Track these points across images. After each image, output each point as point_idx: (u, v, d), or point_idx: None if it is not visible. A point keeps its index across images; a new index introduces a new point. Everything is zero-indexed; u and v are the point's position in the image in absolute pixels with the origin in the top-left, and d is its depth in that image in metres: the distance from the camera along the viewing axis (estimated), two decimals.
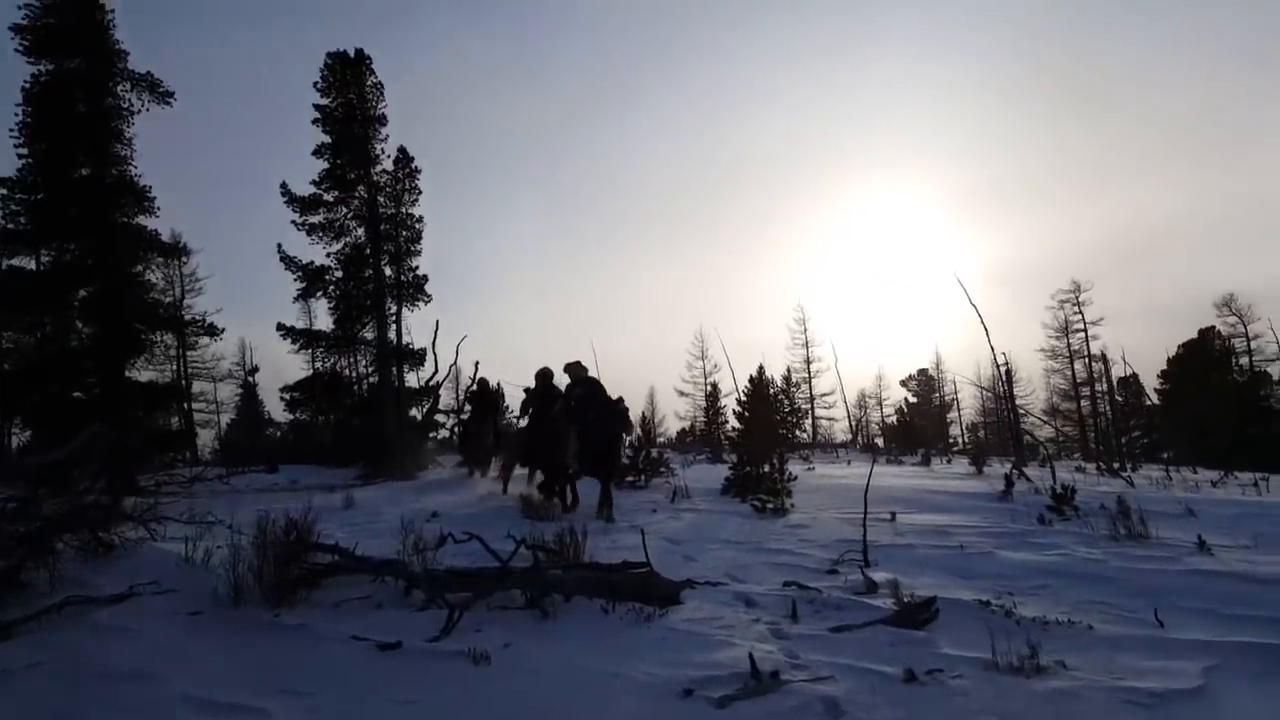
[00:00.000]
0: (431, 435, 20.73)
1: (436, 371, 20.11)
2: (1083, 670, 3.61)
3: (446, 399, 23.39)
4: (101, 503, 6.36)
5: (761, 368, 30.75)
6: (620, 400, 9.35)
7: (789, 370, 37.82)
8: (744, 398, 28.96)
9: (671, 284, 77.38)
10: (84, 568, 5.48)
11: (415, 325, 21.72)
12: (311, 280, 19.82)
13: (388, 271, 19.92)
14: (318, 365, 21.21)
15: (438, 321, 20.15)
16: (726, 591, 5.08)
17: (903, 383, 48.81)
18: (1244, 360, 34.70)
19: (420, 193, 20.82)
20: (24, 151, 15.44)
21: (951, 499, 9.70)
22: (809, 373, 40.78)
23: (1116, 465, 16.05)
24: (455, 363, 21.25)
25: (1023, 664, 3.60)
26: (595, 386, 9.33)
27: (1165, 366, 36.61)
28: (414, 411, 19.90)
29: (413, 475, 15.26)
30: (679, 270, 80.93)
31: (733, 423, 31.09)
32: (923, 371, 48.35)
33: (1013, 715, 3.16)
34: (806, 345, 41.11)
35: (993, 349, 18.05)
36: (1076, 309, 36.65)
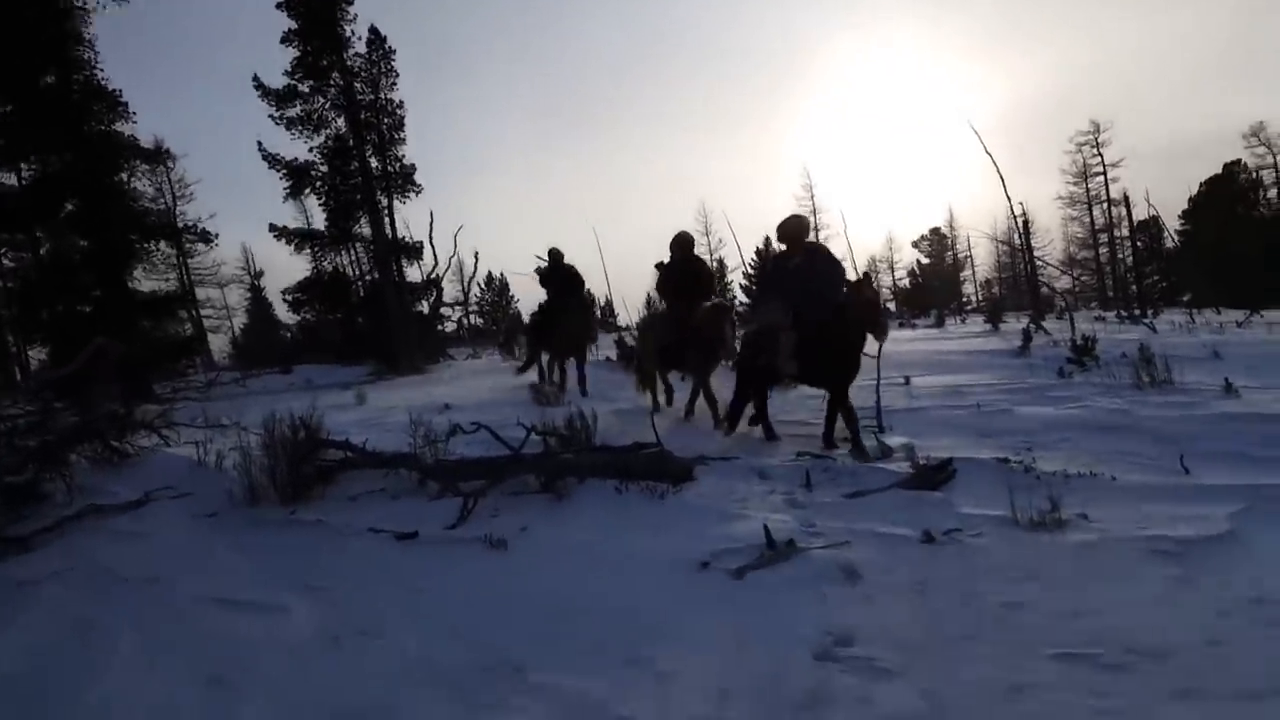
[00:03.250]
0: (440, 328, 20.69)
1: (436, 264, 19.86)
2: (1106, 522, 3.55)
3: (451, 291, 23.20)
4: (113, 412, 6.35)
5: (768, 239, 30.12)
6: (863, 283, 5.81)
7: None
8: (751, 270, 28.57)
9: (673, 162, 75.23)
10: (100, 477, 5.49)
11: (411, 218, 21.39)
12: (298, 177, 19.35)
13: (374, 163, 19.40)
14: (321, 265, 20.92)
15: (432, 213, 19.83)
16: (740, 466, 5.03)
17: (914, 244, 47.85)
18: (1271, 193, 33.48)
19: (397, 75, 20.01)
20: None
21: (967, 358, 9.56)
22: (817, 240, 40.01)
23: (1137, 312, 15.77)
24: (455, 253, 20.96)
25: (1044, 519, 3.55)
26: (821, 259, 6.07)
27: (1187, 205, 35.50)
28: (420, 305, 19.80)
29: (424, 369, 15.31)
30: (680, 148, 78.42)
31: (740, 297, 30.81)
32: (935, 230, 47.30)
33: (1034, 570, 3.12)
34: (814, 212, 40.03)
35: (1008, 197, 17.44)
36: (1095, 151, 35.20)
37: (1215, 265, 29.30)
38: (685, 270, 7.56)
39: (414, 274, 20.32)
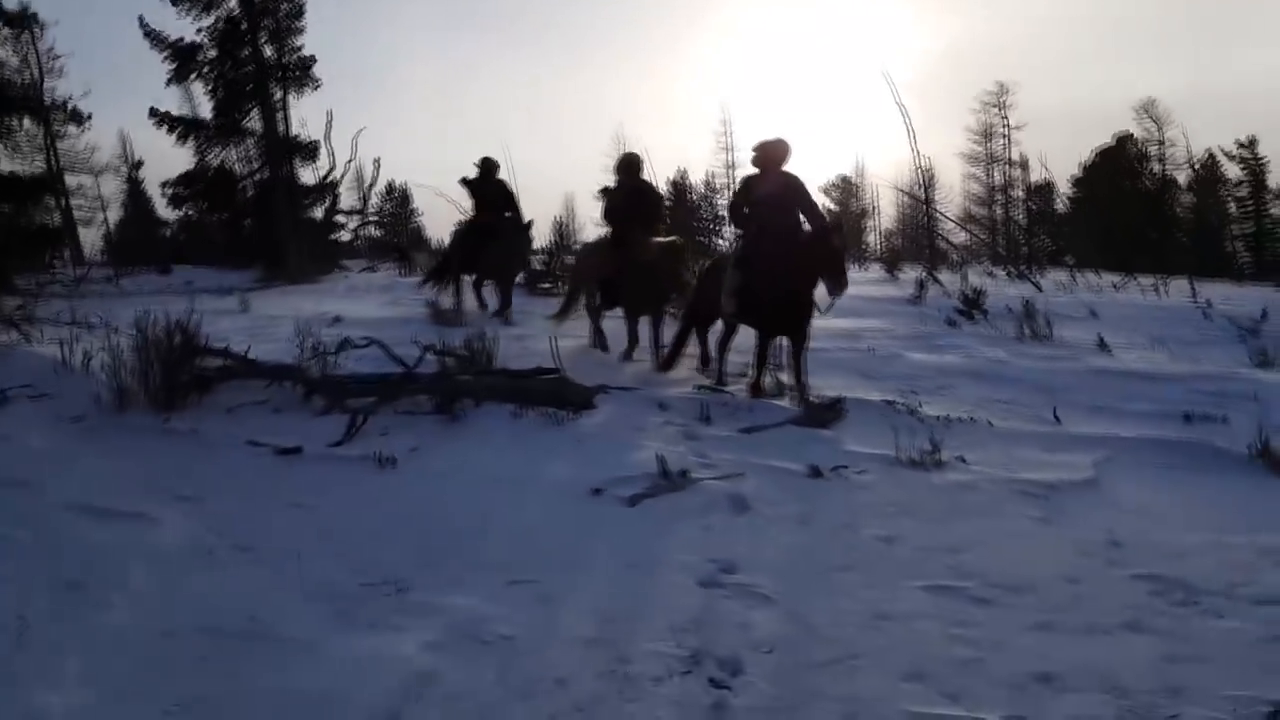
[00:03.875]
0: (334, 237, 19.64)
1: (333, 168, 18.63)
2: (981, 464, 3.73)
3: (349, 200, 21.86)
4: None
5: (683, 172, 29.90)
6: (831, 230, 5.21)
7: (710, 175, 36.88)
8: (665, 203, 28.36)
9: (590, 83, 72.88)
10: None
11: (309, 116, 19.63)
12: (183, 60, 17.56)
13: (268, 51, 17.89)
14: (206, 158, 19.34)
15: (330, 112, 18.37)
16: (640, 396, 5.04)
17: (824, 189, 48.48)
18: (1156, 167, 35.31)
19: None
20: None
21: (865, 304, 9.78)
22: (731, 179, 39.81)
23: (1025, 269, 16.54)
24: (354, 158, 19.60)
25: (924, 459, 3.71)
26: (794, 191, 5.30)
27: (1080, 173, 37.11)
28: (314, 211, 18.70)
29: (316, 279, 14.55)
30: (598, 69, 76.01)
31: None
32: (844, 178, 48.03)
33: (911, 506, 3.27)
34: (729, 149, 39.74)
35: (915, 151, 17.79)
36: (1000, 113, 36.32)
37: (1100, 230, 30.95)
38: (634, 196, 6.79)
39: (309, 177, 19.12)
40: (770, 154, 5.36)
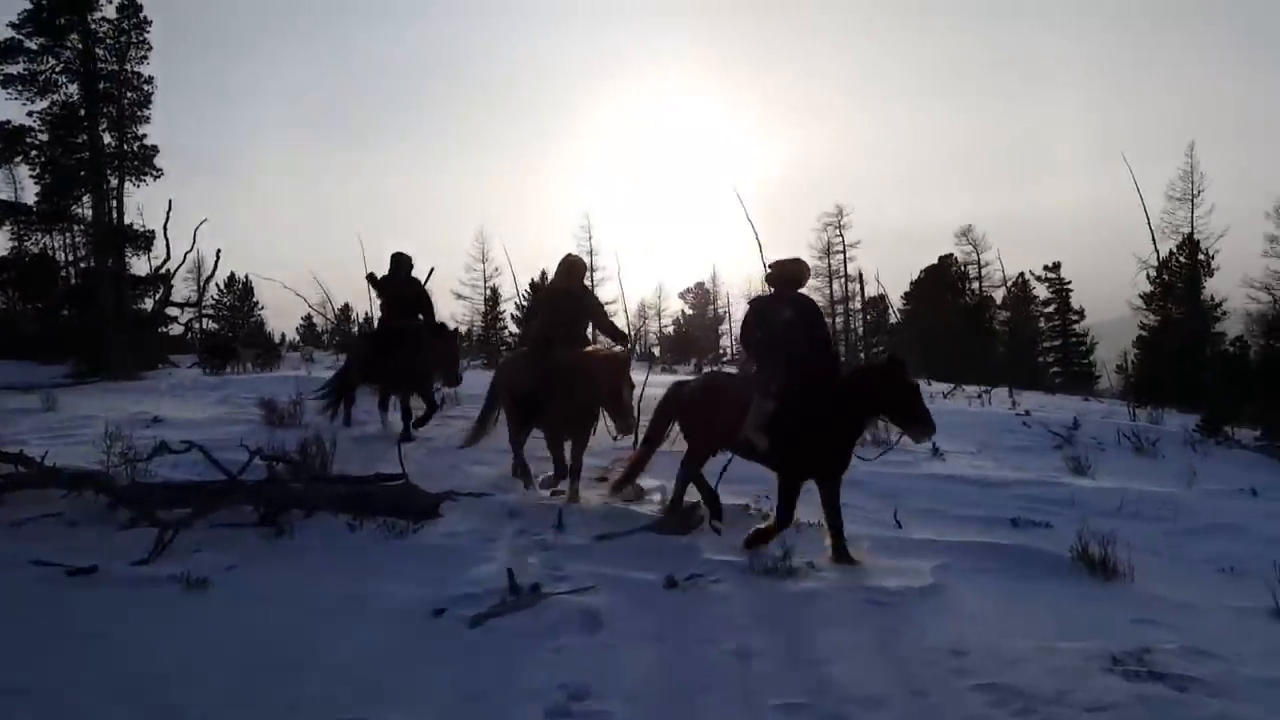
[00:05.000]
0: (164, 330, 18.42)
1: (169, 258, 17.68)
2: (830, 571, 3.78)
3: (184, 292, 20.73)
4: None
5: (544, 273, 30.35)
6: (900, 370, 4.20)
7: None
8: (525, 303, 28.54)
9: (450, 183, 73.85)
10: None
11: (147, 204, 18.90)
12: (8, 142, 16.72)
13: (107, 139, 17.26)
14: (24, 244, 17.99)
15: (170, 201, 17.61)
16: (492, 502, 4.86)
17: (680, 295, 50.42)
18: (975, 286, 39.20)
19: (150, 48, 17.99)
20: None
21: None
22: (592, 281, 40.81)
23: None
24: (193, 249, 18.65)
25: (776, 567, 3.71)
26: (810, 314, 4.75)
27: (909, 288, 40.60)
28: (143, 303, 17.58)
29: (139, 376, 13.43)
30: (458, 170, 77.18)
31: (512, 328, 30.72)
32: (700, 284, 50.19)
33: (767, 617, 3.23)
34: (591, 253, 40.88)
35: (764, 263, 18.94)
36: (838, 231, 39.51)
37: (928, 342, 33.65)
38: (565, 300, 5.75)
39: (143, 267, 18.06)
40: (788, 275, 4.84)
